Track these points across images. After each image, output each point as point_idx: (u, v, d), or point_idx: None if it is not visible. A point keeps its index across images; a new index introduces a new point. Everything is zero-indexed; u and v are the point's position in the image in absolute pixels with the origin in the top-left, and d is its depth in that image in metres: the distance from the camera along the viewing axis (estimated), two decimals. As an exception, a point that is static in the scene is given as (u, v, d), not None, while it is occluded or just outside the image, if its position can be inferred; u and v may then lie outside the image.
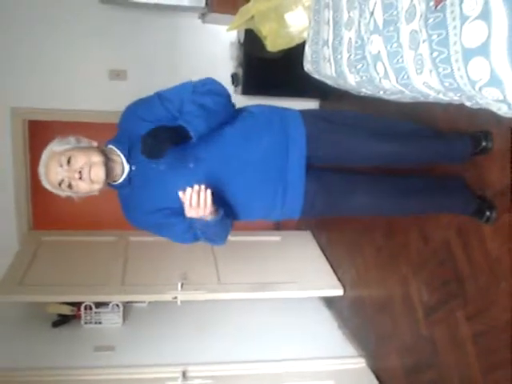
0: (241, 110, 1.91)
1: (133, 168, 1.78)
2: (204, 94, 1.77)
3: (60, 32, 3.67)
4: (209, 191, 1.58)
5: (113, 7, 3.58)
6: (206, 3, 3.47)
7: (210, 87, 1.80)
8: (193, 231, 1.80)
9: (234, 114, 1.86)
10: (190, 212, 1.60)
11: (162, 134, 1.60)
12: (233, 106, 1.86)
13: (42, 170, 1.73)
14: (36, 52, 3.68)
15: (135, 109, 1.83)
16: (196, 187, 1.57)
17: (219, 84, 1.84)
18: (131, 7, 3.58)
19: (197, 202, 1.57)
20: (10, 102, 3.72)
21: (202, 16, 3.73)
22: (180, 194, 1.58)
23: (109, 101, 3.62)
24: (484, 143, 2.03)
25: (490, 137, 2.03)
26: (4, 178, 3.88)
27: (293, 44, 2.45)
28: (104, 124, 3.39)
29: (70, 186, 1.70)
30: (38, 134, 3.72)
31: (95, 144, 1.77)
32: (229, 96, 1.84)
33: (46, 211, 4.15)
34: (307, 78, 2.11)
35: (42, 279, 3.44)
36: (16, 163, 3.88)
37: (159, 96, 1.81)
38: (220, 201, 1.74)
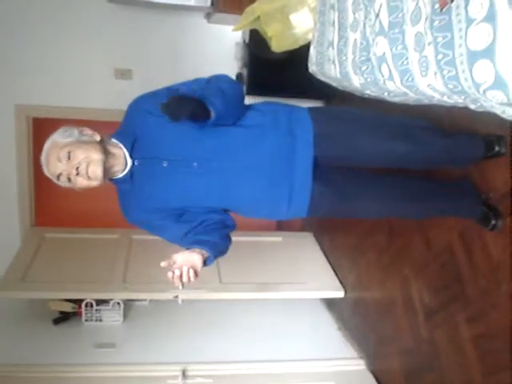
0: (248, 108, 1.86)
1: (135, 163, 1.76)
2: (219, 83, 1.77)
3: (66, 30, 3.69)
4: (192, 272, 1.60)
5: (119, 6, 3.61)
6: (212, 3, 3.48)
7: (224, 79, 1.81)
8: (187, 239, 1.78)
9: (243, 112, 1.82)
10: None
11: (186, 99, 1.60)
12: (243, 103, 1.85)
13: (43, 159, 1.74)
14: (42, 50, 3.69)
15: (142, 102, 1.80)
16: (177, 273, 1.58)
17: (233, 79, 1.85)
18: (138, 6, 3.60)
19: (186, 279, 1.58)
20: (14, 99, 3.74)
21: (208, 16, 3.74)
22: (168, 275, 1.59)
23: (113, 99, 3.62)
24: (497, 148, 1.97)
25: (503, 141, 1.97)
26: (8, 174, 3.90)
27: (298, 45, 2.45)
28: (108, 122, 3.39)
29: (68, 179, 1.71)
30: (43, 131, 3.71)
31: (98, 138, 1.75)
32: (243, 90, 1.84)
33: (48, 208, 4.17)
34: (311, 79, 2.10)
35: (43, 276, 3.45)
36: (20, 160, 3.89)
37: (168, 89, 1.77)
38: (222, 204, 1.77)
